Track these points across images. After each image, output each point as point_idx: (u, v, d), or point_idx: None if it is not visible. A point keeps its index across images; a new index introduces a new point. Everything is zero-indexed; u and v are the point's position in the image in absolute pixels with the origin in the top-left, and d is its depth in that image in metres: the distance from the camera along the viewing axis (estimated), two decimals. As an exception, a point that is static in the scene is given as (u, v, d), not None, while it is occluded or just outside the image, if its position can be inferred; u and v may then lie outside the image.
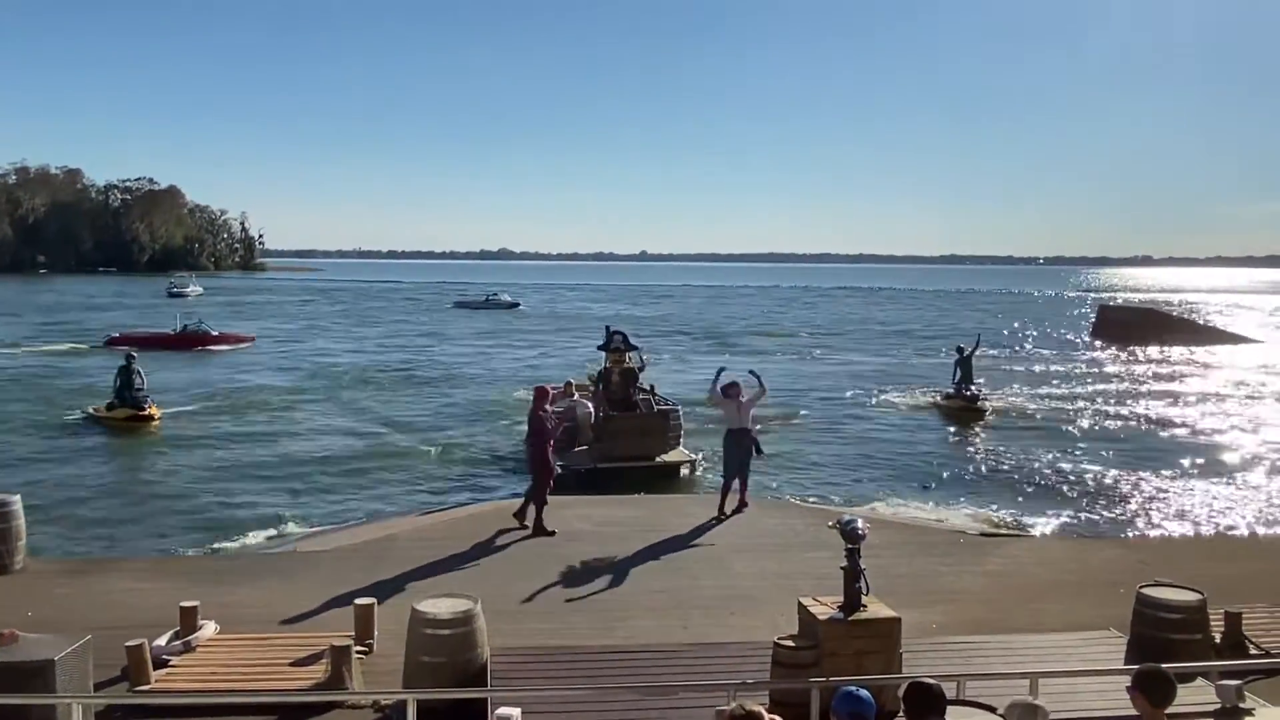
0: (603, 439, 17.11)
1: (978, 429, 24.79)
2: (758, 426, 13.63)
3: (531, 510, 12.21)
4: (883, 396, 30.51)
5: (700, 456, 18.33)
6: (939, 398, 27.80)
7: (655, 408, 17.81)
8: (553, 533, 11.96)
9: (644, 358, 18.90)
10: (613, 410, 17.34)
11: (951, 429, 24.94)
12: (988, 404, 26.40)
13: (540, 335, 56.58)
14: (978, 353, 27.60)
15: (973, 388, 26.20)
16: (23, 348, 43.19)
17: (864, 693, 4.26)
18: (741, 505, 12.96)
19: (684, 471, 17.55)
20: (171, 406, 25.66)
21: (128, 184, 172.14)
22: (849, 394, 31.40)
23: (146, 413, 23.23)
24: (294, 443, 22.57)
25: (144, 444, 22.03)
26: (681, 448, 17.98)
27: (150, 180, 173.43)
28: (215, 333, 45.76)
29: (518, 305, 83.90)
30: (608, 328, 19.02)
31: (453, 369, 38.34)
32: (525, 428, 13.90)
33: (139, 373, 23.76)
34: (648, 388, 18.40)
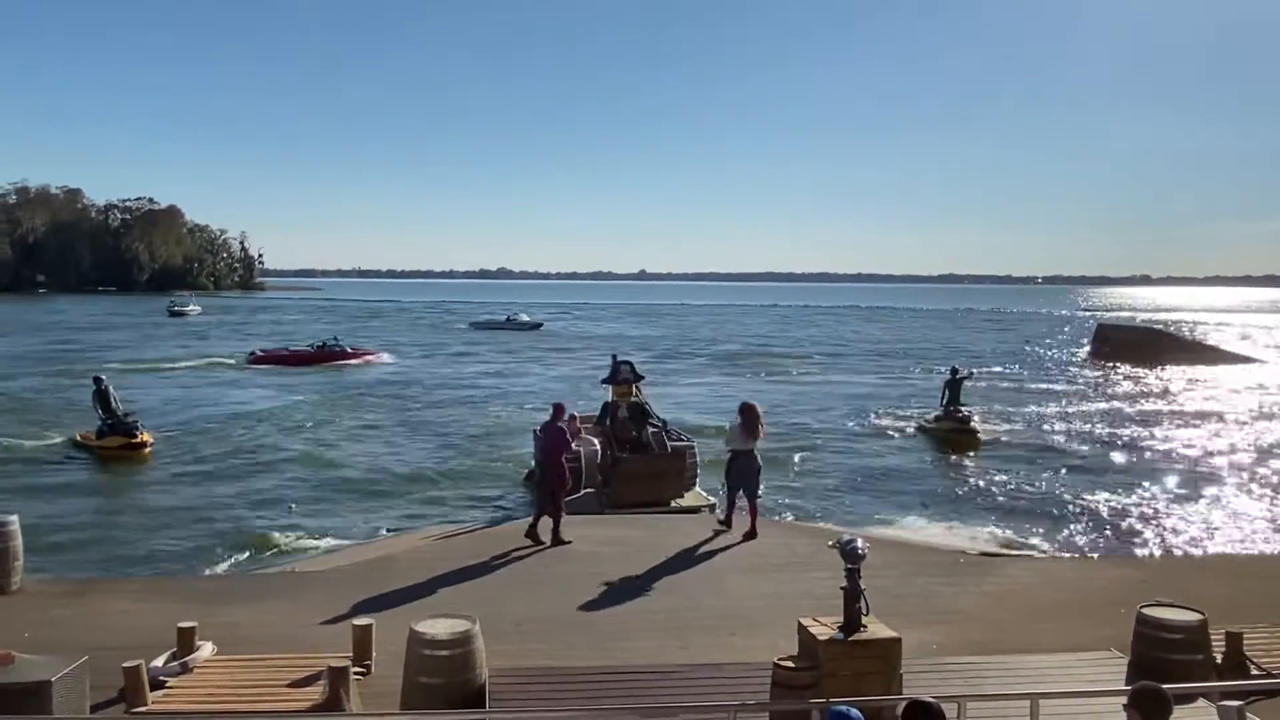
0: (611, 483, 15.30)
1: (976, 449, 24.74)
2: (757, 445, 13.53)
3: (548, 522, 12.35)
4: (880, 416, 30.51)
5: (716, 501, 15.90)
6: (929, 419, 27.78)
7: (669, 445, 15.93)
8: (568, 541, 12.19)
9: (643, 396, 16.74)
10: (621, 450, 15.56)
11: (946, 450, 24.87)
12: (977, 425, 26.22)
13: (572, 356, 55.63)
14: (969, 381, 27.44)
15: (963, 409, 26.06)
16: (181, 363, 45.57)
17: (854, 711, 4.26)
18: (751, 533, 12.62)
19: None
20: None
21: (127, 203, 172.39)
22: (846, 413, 31.41)
23: (139, 439, 22.31)
24: (297, 463, 22.52)
25: (141, 465, 21.86)
26: (699, 489, 16.10)
27: (150, 200, 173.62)
28: (350, 348, 48.86)
29: (540, 325, 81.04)
30: (614, 356, 17.34)
31: (486, 390, 38.00)
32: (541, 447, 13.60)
33: (113, 394, 22.78)
34: (660, 423, 16.51)
